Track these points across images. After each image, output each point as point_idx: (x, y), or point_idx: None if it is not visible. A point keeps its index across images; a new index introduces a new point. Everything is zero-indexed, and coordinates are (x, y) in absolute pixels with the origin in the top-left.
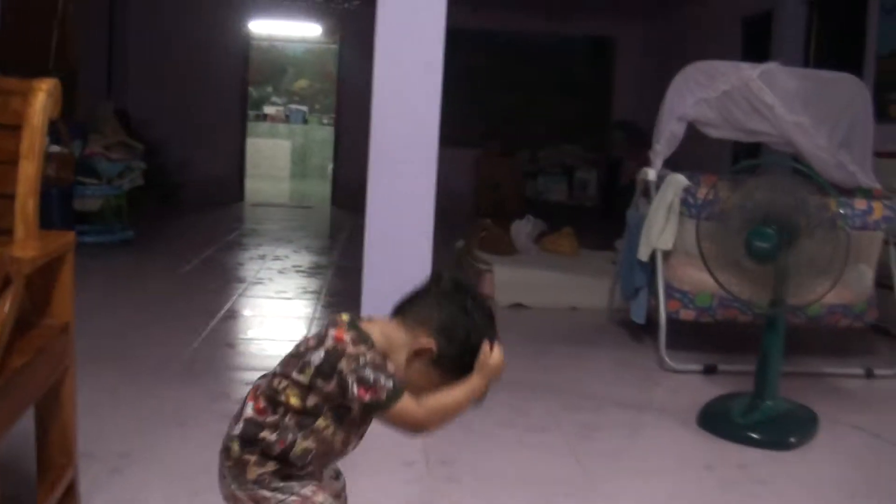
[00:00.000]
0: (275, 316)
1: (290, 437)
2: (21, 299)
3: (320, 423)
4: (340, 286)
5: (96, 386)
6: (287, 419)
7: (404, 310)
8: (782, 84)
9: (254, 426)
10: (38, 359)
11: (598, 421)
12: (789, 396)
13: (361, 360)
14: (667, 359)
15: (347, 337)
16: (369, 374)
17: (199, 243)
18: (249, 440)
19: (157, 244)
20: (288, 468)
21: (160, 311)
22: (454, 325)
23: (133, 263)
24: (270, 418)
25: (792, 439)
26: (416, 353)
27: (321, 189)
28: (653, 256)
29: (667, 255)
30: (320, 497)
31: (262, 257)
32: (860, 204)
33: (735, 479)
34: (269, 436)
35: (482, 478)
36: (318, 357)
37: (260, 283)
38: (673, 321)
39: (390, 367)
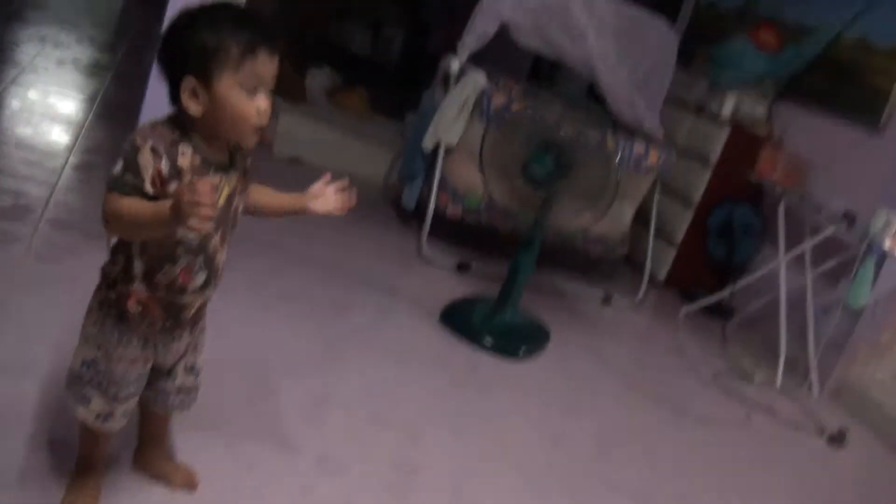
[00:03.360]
0: (43, 114)
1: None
2: None
3: None
4: (118, 97)
5: None
6: None
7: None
8: (599, 13)
9: None
10: None
11: (349, 298)
12: (530, 309)
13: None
14: (426, 249)
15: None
16: (122, 158)
17: None
18: None
19: None
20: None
21: None
22: (179, 41)
23: None
24: None
25: (522, 349)
26: (193, 97)
27: None
28: (436, 148)
29: (449, 150)
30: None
31: (42, 39)
32: (639, 147)
33: (464, 378)
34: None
35: (224, 339)
36: None
37: (35, 72)
38: (440, 214)
39: (144, 161)
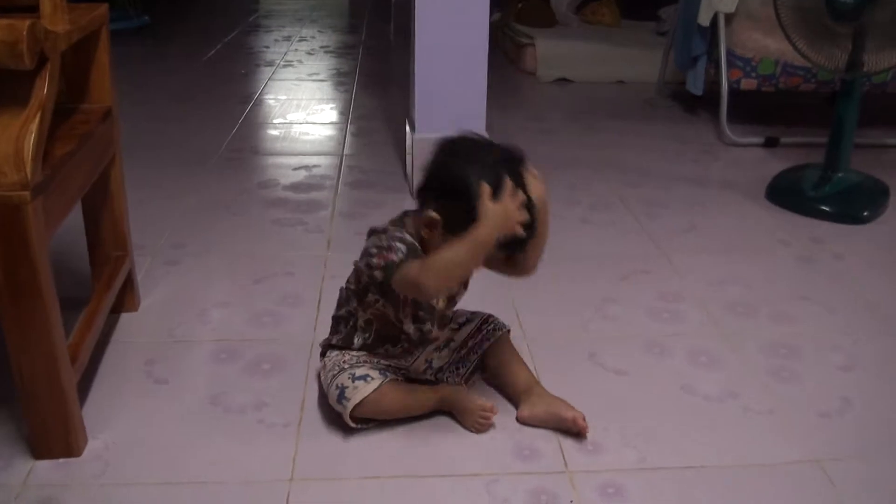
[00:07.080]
0: (311, 99)
1: (353, 307)
2: (58, 81)
3: (370, 297)
4: (373, 67)
5: (136, 179)
6: (350, 296)
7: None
8: None
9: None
10: (84, 146)
11: (663, 197)
12: (857, 168)
13: (386, 234)
14: (728, 131)
15: (388, 222)
16: (386, 241)
17: (219, 27)
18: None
19: (175, 30)
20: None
21: (191, 98)
22: (443, 183)
23: (154, 50)
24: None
25: (865, 212)
26: (428, 227)
27: None
28: (713, 21)
29: (728, 18)
30: (362, 370)
31: (288, 39)
32: None
33: (812, 253)
34: (340, 311)
35: (555, 256)
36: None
37: (290, 65)
38: (730, 92)
39: (410, 239)
